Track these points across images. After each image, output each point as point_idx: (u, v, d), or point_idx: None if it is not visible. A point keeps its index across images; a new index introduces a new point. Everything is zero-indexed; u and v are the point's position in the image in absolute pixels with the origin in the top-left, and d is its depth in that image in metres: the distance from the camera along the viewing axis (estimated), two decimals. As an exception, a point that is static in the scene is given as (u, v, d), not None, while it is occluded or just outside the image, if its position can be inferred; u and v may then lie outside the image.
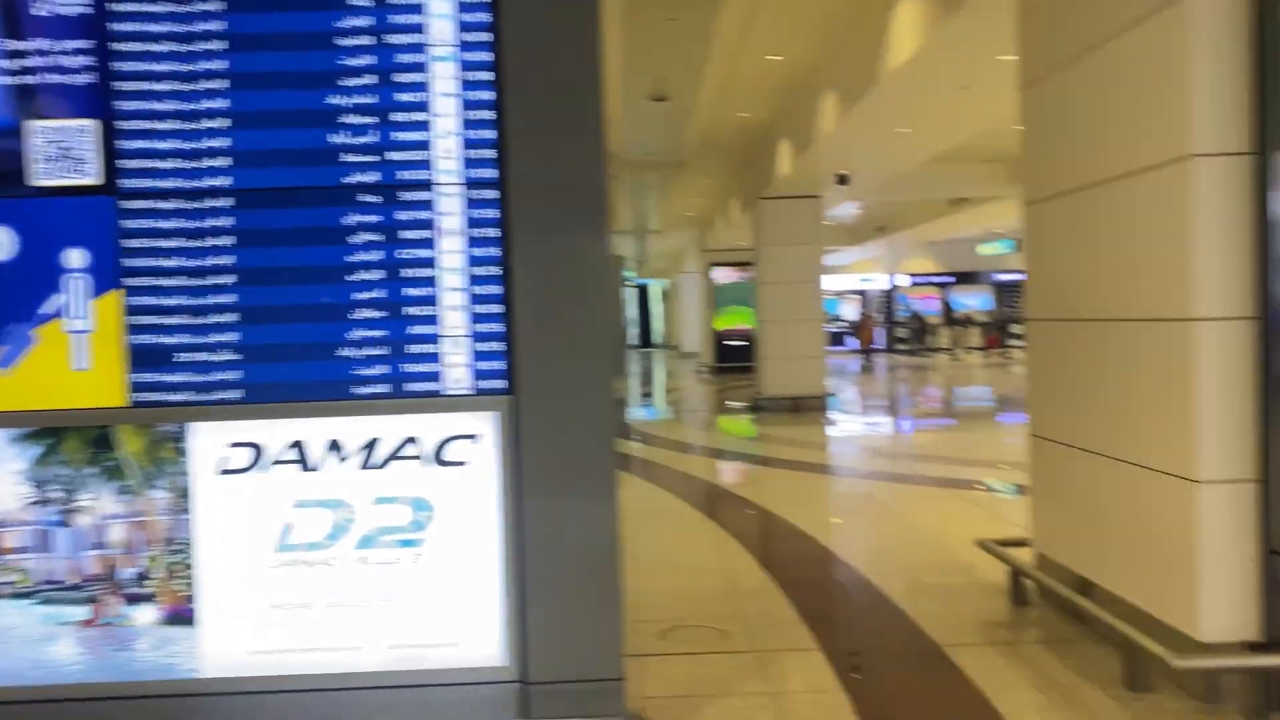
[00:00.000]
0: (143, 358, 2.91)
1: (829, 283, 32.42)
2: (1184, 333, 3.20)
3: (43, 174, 2.88)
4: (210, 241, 2.90)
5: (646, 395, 18.85)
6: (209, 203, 2.90)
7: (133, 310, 2.90)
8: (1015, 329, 27.40)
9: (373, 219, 2.92)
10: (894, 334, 32.13)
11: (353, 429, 2.92)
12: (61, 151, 2.87)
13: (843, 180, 12.13)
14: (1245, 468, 3.13)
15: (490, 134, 2.92)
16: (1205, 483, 3.14)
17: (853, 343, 29.23)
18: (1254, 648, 3.11)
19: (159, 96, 2.88)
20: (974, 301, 32.35)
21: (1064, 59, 3.99)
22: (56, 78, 2.87)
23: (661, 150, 13.15)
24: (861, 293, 34.16)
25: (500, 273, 2.93)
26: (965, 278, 32.55)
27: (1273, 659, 3.05)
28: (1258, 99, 3.07)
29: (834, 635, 4.02)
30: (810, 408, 13.20)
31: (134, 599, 2.92)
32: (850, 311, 33.47)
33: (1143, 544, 3.49)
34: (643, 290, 38.59)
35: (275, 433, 2.91)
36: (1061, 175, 4.07)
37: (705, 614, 4.38)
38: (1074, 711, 3.26)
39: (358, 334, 2.93)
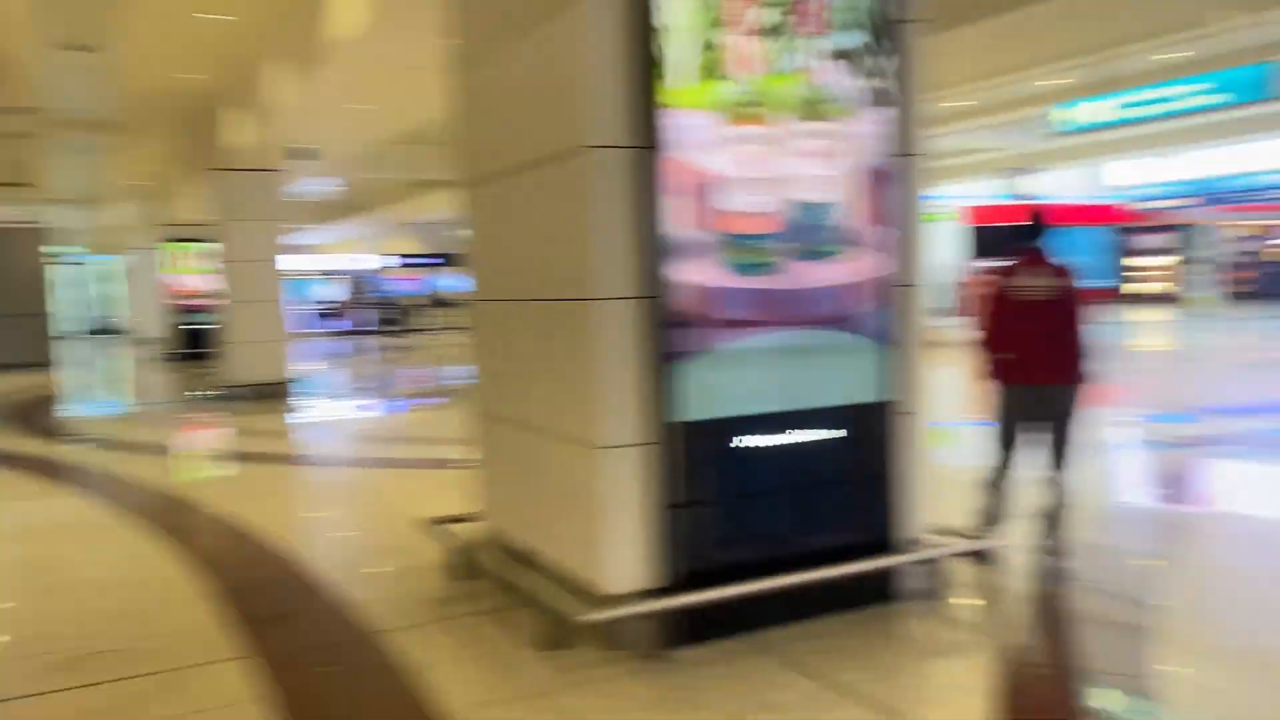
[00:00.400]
0: None
1: (315, 262, 31.31)
2: (584, 311, 3.44)
3: None
4: None
5: (95, 388, 16.60)
6: None
7: None
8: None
9: None
10: (381, 315, 31.96)
11: None
12: None
13: (302, 154, 11.66)
14: (640, 432, 3.45)
15: None
16: (605, 448, 3.42)
17: (335, 324, 28.55)
18: (657, 594, 3.44)
19: None
20: (455, 282, 33.30)
21: (488, 46, 4.11)
22: None
23: (95, 108, 11.53)
24: (349, 272, 33.50)
25: None
26: (451, 259, 33.34)
27: (658, 603, 3.41)
28: (641, 98, 3.37)
29: (267, 640, 3.76)
30: (279, 394, 12.56)
31: None
32: (336, 292, 32.67)
33: (565, 510, 3.72)
34: (89, 269, 33.85)
35: None
36: (488, 159, 4.20)
37: (122, 636, 3.87)
38: (501, 673, 3.39)
39: None
